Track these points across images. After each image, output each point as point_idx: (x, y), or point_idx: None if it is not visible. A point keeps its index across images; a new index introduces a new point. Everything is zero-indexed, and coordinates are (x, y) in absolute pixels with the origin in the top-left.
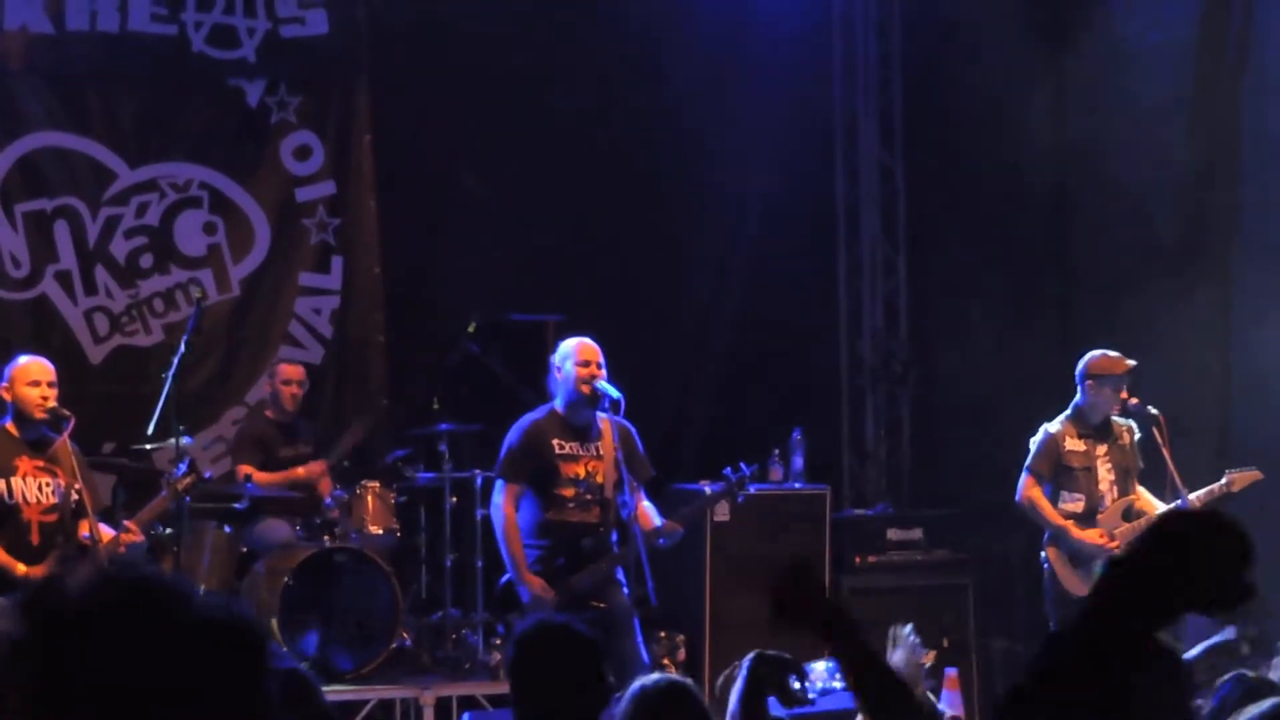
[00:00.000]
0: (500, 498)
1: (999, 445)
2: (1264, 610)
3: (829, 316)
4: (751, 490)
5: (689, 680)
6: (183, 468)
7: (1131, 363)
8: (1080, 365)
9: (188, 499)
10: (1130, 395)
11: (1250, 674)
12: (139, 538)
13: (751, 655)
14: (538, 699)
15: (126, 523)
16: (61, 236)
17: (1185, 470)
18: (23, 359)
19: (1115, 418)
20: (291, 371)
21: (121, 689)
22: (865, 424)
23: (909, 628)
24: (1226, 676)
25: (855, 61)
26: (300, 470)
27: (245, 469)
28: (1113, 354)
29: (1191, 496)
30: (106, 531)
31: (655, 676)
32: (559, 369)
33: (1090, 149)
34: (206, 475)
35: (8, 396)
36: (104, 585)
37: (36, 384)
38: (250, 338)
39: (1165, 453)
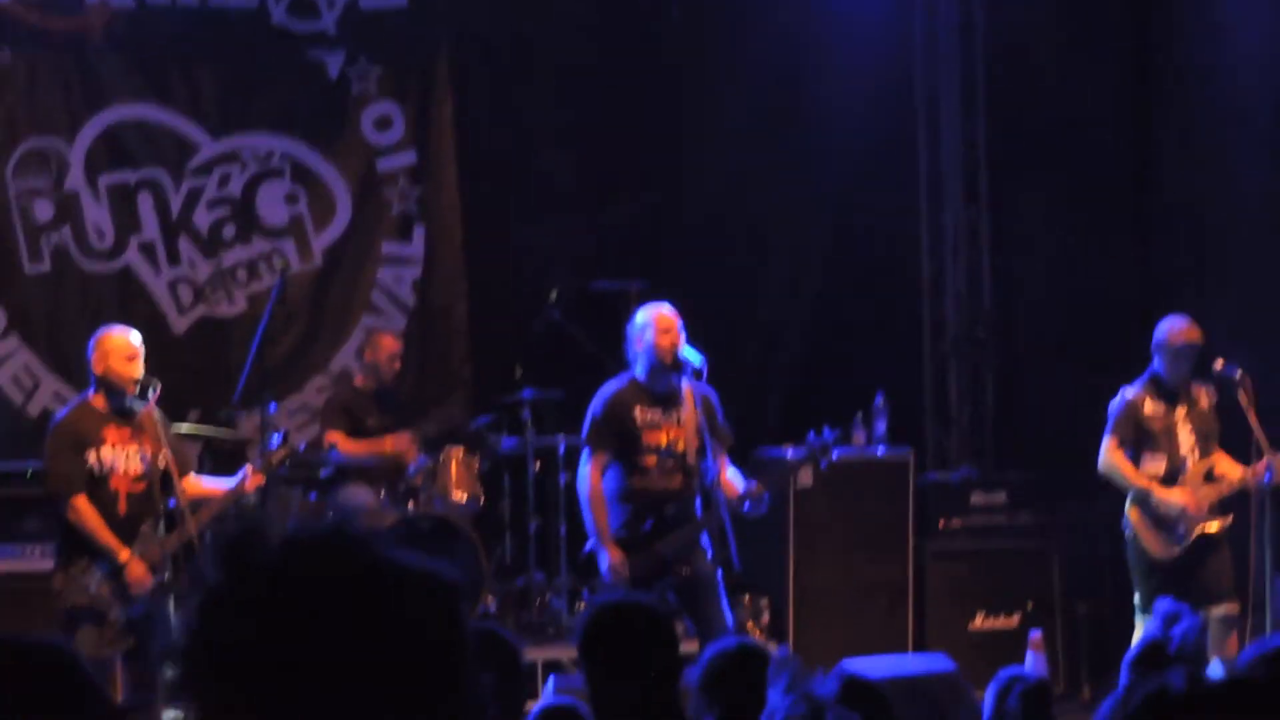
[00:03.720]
0: (587, 467)
1: (1082, 409)
2: None
3: (912, 282)
4: (834, 457)
5: (762, 644)
6: (277, 439)
7: (1198, 337)
8: (1155, 332)
9: (283, 469)
10: (1218, 359)
11: None
12: (262, 479)
13: None
14: (610, 678)
15: (248, 467)
16: (145, 208)
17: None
18: (116, 333)
19: (1195, 381)
20: (396, 346)
21: (313, 643)
22: (948, 389)
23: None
24: None
25: (936, 28)
26: (387, 444)
27: (333, 436)
28: (1185, 322)
29: (1276, 457)
30: (219, 485)
31: (729, 640)
32: (639, 338)
33: (1174, 117)
34: (300, 447)
35: (99, 369)
36: (301, 538)
37: (133, 359)
38: (333, 307)
39: (1250, 415)
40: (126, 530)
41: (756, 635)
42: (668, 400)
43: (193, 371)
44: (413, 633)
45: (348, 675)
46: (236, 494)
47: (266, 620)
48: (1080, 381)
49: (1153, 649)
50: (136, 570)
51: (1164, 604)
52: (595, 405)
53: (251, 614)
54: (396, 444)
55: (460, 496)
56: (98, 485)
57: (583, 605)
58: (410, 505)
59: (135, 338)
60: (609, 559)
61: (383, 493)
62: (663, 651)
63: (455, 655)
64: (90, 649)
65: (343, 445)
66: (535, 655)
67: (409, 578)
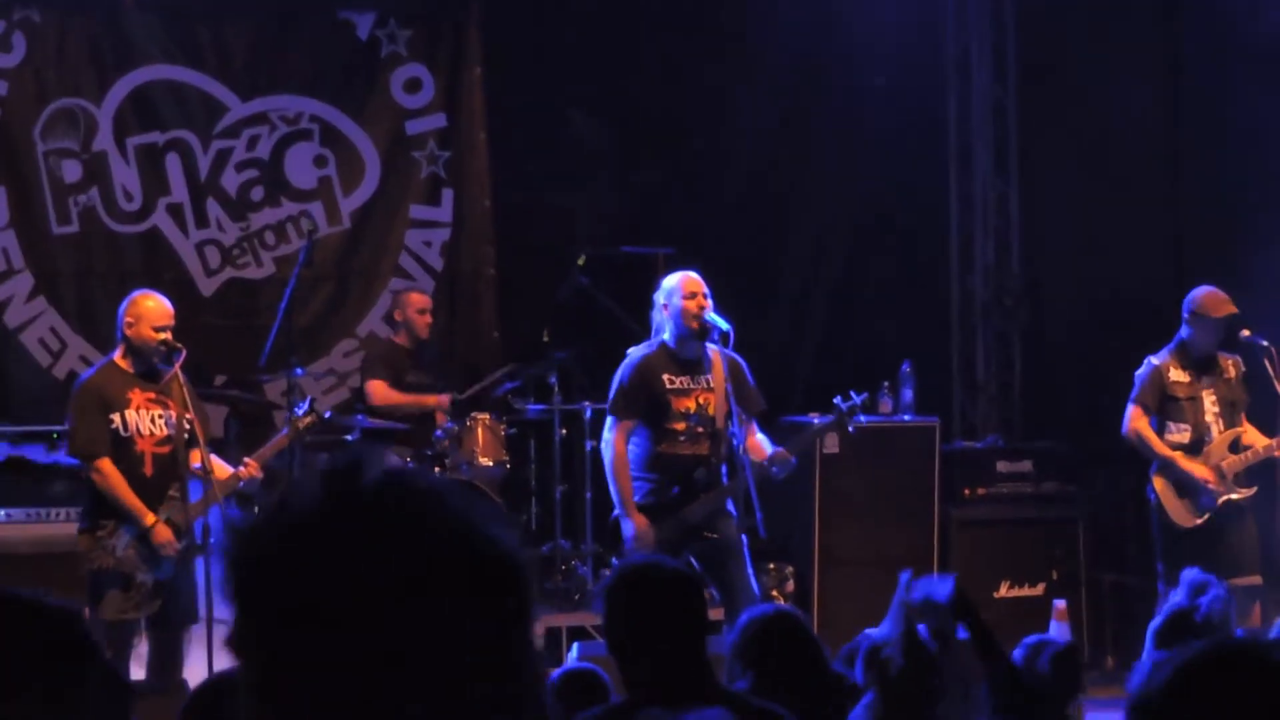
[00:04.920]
0: (611, 434)
1: (1110, 378)
2: None
3: (940, 250)
4: (861, 421)
5: (798, 610)
6: (303, 406)
7: (1233, 308)
8: (1186, 299)
9: (308, 436)
10: (1244, 328)
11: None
12: (258, 474)
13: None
14: (635, 642)
15: (247, 459)
16: (173, 169)
17: None
18: (152, 298)
19: (1221, 351)
20: (423, 300)
21: (381, 585)
22: (976, 357)
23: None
24: None
25: None
26: (430, 399)
27: (374, 385)
28: (1218, 293)
29: None
30: (222, 466)
31: (765, 606)
32: (665, 305)
33: (1206, 85)
34: (326, 415)
35: (130, 332)
36: (402, 482)
37: (163, 329)
38: (361, 270)
39: (1277, 385)
40: (154, 492)
41: (781, 602)
42: (696, 366)
43: (220, 334)
44: (491, 604)
45: (414, 632)
46: (235, 480)
47: (351, 550)
48: (1108, 351)
49: (1179, 618)
50: (163, 534)
51: (1191, 573)
52: (623, 372)
53: (336, 540)
54: (440, 401)
55: (486, 462)
56: (123, 447)
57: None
58: (437, 470)
59: (167, 307)
60: (633, 527)
61: (409, 458)
62: (688, 615)
63: (523, 636)
64: (115, 613)
65: (384, 394)
66: (560, 622)
67: (499, 550)
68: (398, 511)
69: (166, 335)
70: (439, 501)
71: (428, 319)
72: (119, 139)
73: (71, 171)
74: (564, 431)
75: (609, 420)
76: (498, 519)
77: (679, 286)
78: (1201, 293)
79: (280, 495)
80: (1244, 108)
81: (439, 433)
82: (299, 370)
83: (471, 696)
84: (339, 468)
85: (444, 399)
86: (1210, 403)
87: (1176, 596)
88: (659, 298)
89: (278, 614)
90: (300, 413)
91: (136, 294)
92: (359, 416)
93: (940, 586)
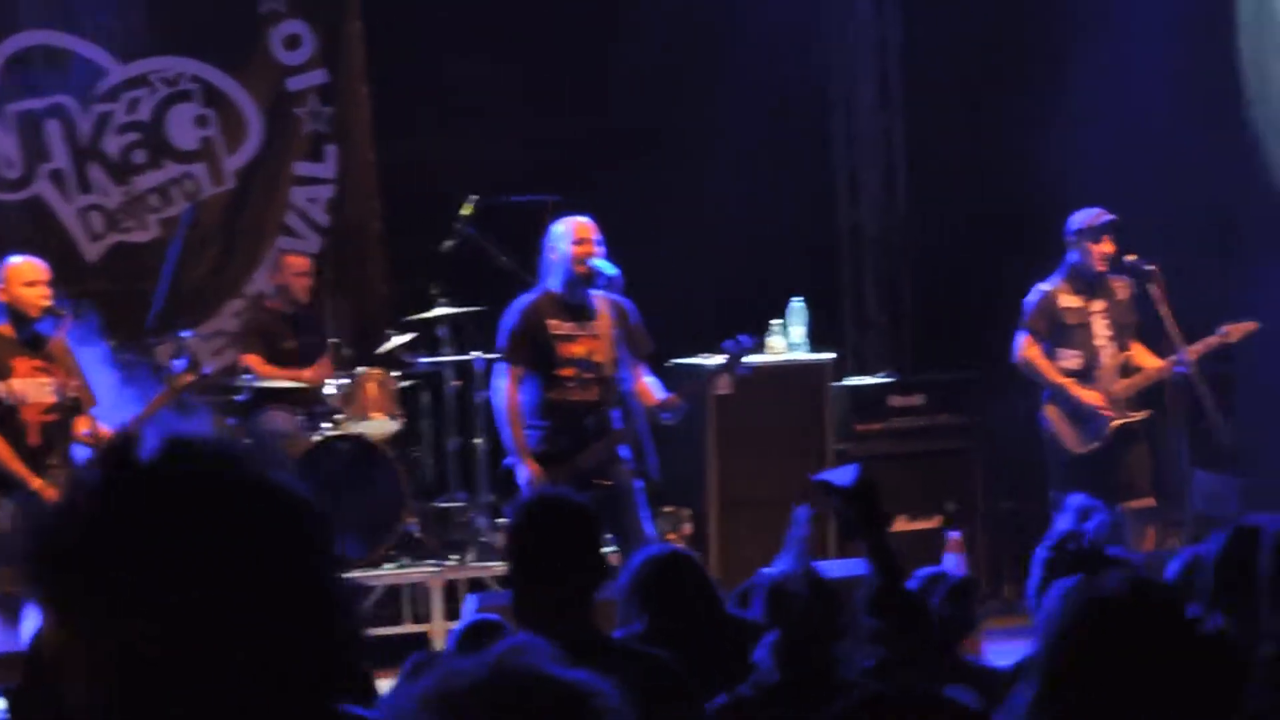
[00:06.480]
0: (503, 381)
1: (1002, 307)
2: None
3: (827, 186)
4: (752, 363)
5: (692, 551)
6: (182, 363)
7: (1110, 216)
8: (1069, 223)
9: (187, 394)
10: (1129, 252)
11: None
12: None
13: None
14: (535, 574)
15: (129, 421)
16: (53, 135)
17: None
18: (15, 260)
19: (1110, 274)
20: (302, 263)
21: (174, 552)
22: (865, 292)
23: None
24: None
25: None
26: (305, 375)
27: (249, 359)
28: (1095, 210)
29: (1189, 349)
30: (109, 431)
31: (657, 547)
32: (553, 250)
33: (1089, 15)
34: (205, 370)
35: (4, 298)
36: (178, 446)
37: (34, 284)
38: (247, 229)
39: (1163, 308)
40: (37, 460)
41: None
42: (582, 312)
43: (107, 299)
44: (276, 555)
45: (199, 585)
46: (156, 410)
47: (130, 515)
48: (999, 280)
49: (1065, 543)
50: (51, 496)
51: (1077, 498)
52: (509, 318)
53: (114, 509)
54: (314, 378)
55: (379, 417)
56: (8, 415)
57: (503, 521)
58: (329, 427)
59: (37, 264)
60: (527, 473)
61: (300, 415)
62: (586, 550)
63: (319, 586)
64: (5, 584)
65: (259, 369)
66: (458, 575)
67: (283, 499)
68: (182, 476)
69: (43, 292)
70: (223, 460)
71: (306, 281)
72: None
73: None
74: (456, 383)
75: (500, 367)
76: (286, 468)
77: (568, 232)
78: (1081, 212)
79: (68, 485)
80: (1129, 29)
81: (329, 390)
82: (187, 332)
83: (286, 632)
84: (112, 447)
85: (319, 368)
86: (1102, 326)
87: (1062, 522)
88: (549, 242)
89: (86, 593)
90: (178, 370)
91: (4, 260)
92: (248, 376)
93: (842, 473)
